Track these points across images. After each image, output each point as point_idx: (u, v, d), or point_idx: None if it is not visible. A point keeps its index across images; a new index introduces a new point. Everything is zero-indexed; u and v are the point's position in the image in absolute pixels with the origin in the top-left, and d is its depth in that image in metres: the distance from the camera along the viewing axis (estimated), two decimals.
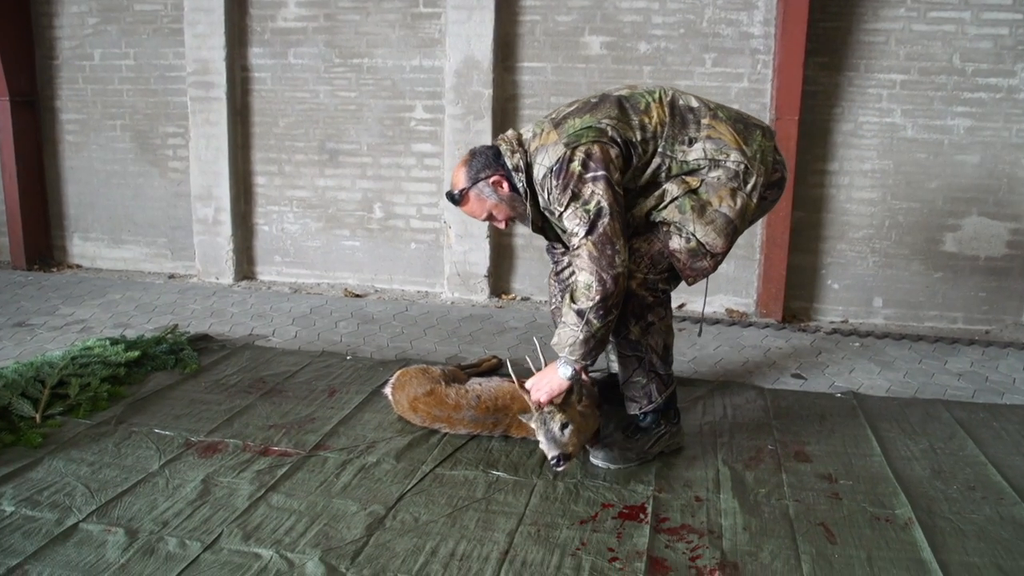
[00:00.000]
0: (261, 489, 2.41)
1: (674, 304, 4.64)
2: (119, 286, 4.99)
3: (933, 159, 4.37)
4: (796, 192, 4.34)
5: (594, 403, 2.69)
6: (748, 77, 4.40)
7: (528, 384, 2.55)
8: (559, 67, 4.58)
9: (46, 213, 5.56)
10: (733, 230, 2.53)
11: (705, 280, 2.71)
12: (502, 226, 2.70)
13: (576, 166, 2.40)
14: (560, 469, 2.46)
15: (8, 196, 5.41)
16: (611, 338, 2.65)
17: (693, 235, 2.50)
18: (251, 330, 4.12)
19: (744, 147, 2.51)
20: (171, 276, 5.31)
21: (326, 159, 5.01)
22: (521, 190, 2.57)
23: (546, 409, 2.50)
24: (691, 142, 2.50)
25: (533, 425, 2.52)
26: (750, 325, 4.39)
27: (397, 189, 4.96)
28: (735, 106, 4.36)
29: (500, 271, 4.87)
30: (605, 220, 2.37)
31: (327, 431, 2.84)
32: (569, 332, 2.43)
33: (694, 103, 2.57)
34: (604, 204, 2.37)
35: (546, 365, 2.59)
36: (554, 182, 2.44)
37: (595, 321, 2.39)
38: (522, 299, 4.84)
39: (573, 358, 2.45)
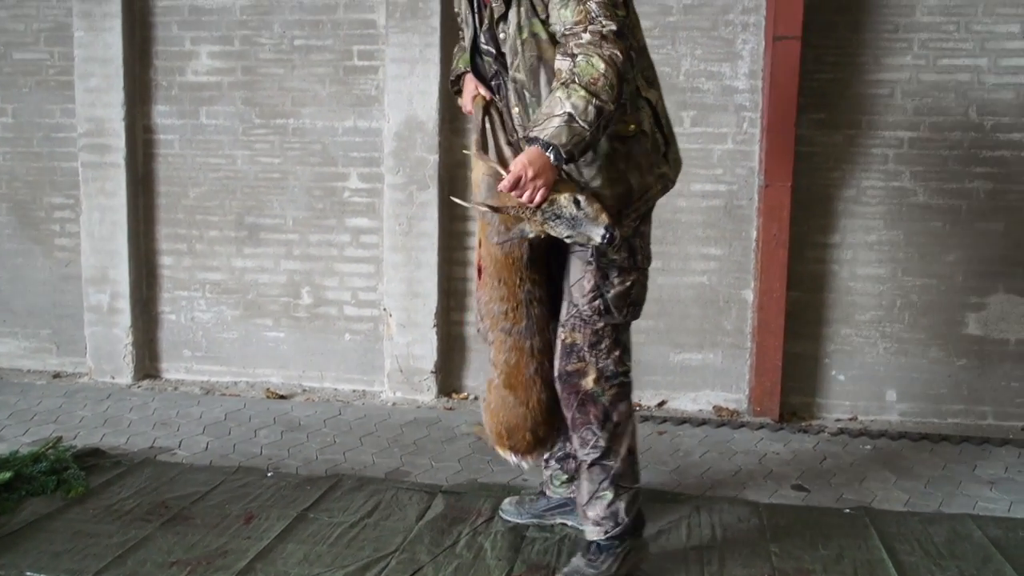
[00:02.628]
0: None
1: (654, 400, 4.79)
2: None
3: (950, 228, 4.60)
4: (792, 269, 4.54)
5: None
6: (733, 137, 4.64)
7: (505, 184, 2.40)
8: None
9: None
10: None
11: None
12: None
13: None
14: (616, 241, 2.49)
15: None
16: (576, 450, 2.79)
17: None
18: (152, 442, 4.17)
19: None
20: (56, 375, 5.35)
21: (245, 236, 5.14)
22: None
23: (543, 206, 2.45)
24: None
25: (533, 230, 2.51)
26: (742, 426, 4.53)
27: (328, 271, 5.09)
28: (718, 171, 4.63)
29: (450, 366, 5.00)
30: (627, 39, 2.44)
31: (241, 568, 2.89)
32: (556, 120, 2.34)
33: None
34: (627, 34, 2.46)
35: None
36: None
37: (591, 115, 2.32)
38: (475, 398, 4.95)
39: (559, 142, 2.34)
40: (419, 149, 4.77)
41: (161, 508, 3.35)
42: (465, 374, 5.01)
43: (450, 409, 4.77)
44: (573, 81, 2.33)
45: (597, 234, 2.44)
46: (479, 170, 2.85)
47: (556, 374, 2.78)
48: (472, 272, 4.64)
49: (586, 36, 2.38)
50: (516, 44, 2.59)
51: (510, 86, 2.67)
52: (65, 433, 4.23)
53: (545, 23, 2.53)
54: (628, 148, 2.64)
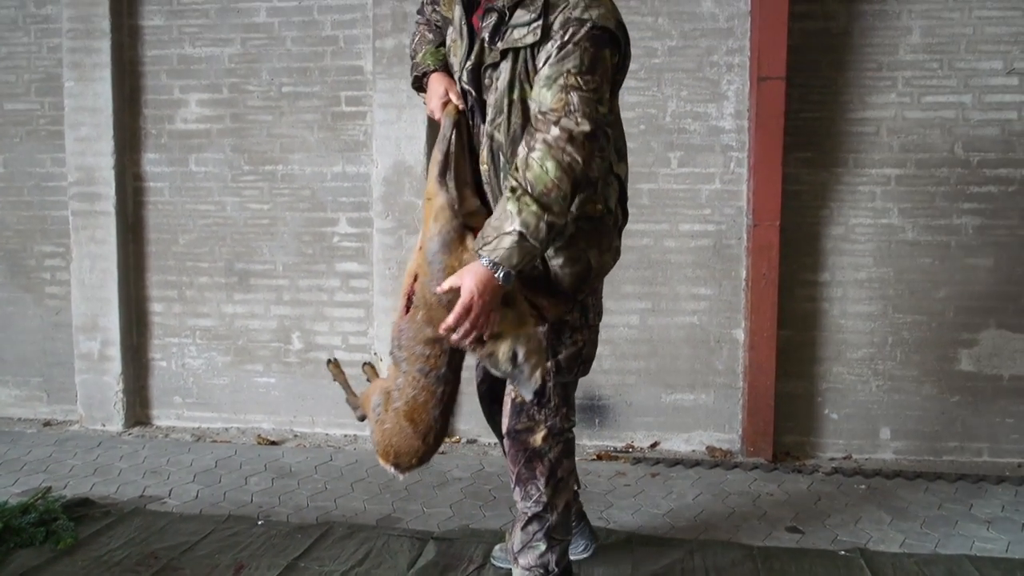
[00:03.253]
0: None
1: (646, 441, 4.80)
2: None
3: (939, 264, 4.64)
4: (782, 308, 4.57)
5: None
6: (720, 177, 4.68)
7: (450, 322, 2.41)
8: None
9: None
10: None
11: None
12: None
13: (607, 54, 2.46)
14: (543, 399, 2.67)
15: None
16: (517, 500, 2.83)
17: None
18: (143, 490, 4.17)
19: None
20: (47, 423, 5.35)
21: (235, 282, 5.17)
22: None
23: (479, 350, 2.50)
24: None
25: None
26: (735, 466, 4.53)
27: (319, 316, 5.11)
28: (706, 211, 4.66)
29: None
30: (599, 140, 2.46)
31: None
32: (507, 240, 2.37)
33: None
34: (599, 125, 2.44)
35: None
36: (573, 36, 2.41)
37: (542, 233, 2.36)
38: (468, 442, 4.96)
39: (509, 264, 2.37)
40: (407, 193, 4.81)
41: (151, 559, 3.35)
42: (457, 418, 5.00)
43: (442, 453, 4.74)
44: (526, 192, 2.34)
45: (528, 392, 2.51)
46: (436, 205, 2.67)
47: (505, 431, 2.82)
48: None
49: (555, 131, 2.35)
50: (503, 103, 2.52)
51: (484, 140, 2.63)
52: (55, 482, 4.23)
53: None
54: (592, 227, 2.65)
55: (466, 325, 2.38)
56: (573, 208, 2.46)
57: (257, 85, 5.06)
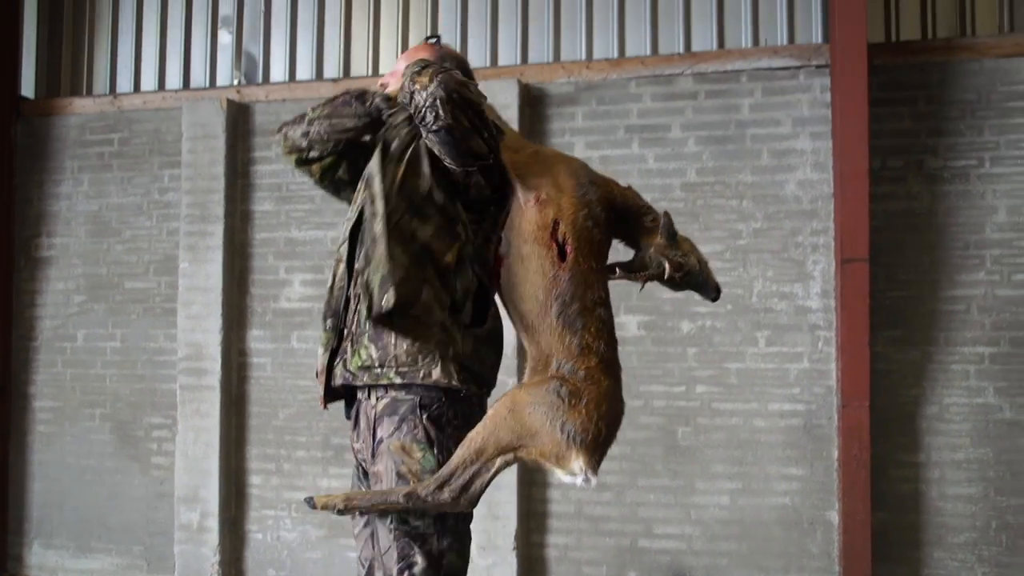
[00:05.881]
0: None
1: None
2: None
3: None
4: (876, 489, 4.52)
5: None
6: (808, 357, 4.73)
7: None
8: None
9: (4, 516, 5.88)
10: None
11: None
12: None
13: None
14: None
15: None
16: None
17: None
18: None
19: None
20: None
21: (331, 456, 5.35)
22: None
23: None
24: None
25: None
26: None
27: None
28: (795, 390, 4.70)
29: None
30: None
31: None
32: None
33: None
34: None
35: None
36: None
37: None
38: None
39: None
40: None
41: None
42: None
43: None
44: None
45: None
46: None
47: None
48: None
49: None
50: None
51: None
52: None
53: None
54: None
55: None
56: None
57: None
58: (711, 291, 2.78)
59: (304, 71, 5.67)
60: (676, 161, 4.97)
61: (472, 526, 4.39)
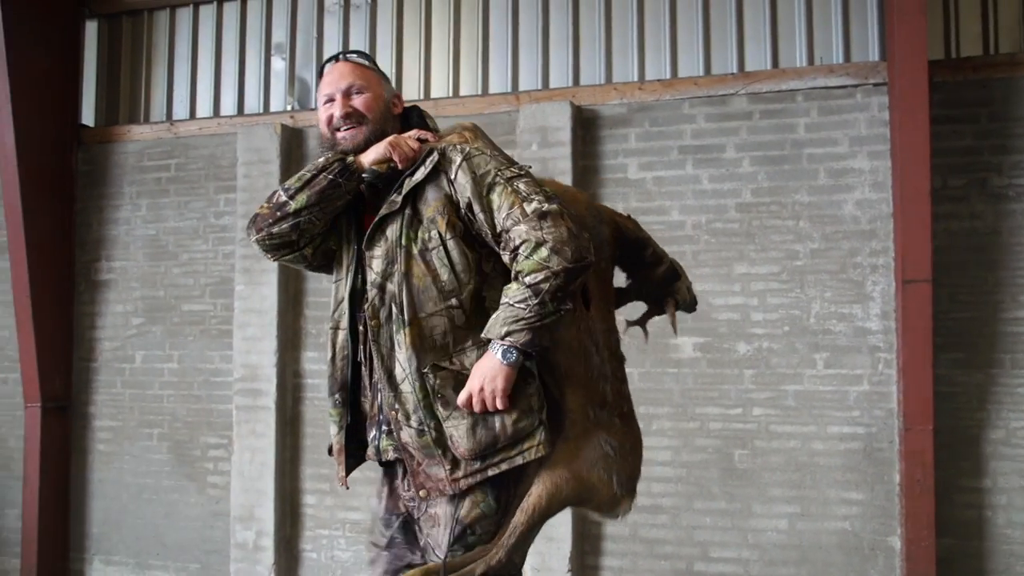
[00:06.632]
0: None
1: None
2: None
3: None
4: (940, 515, 4.37)
5: None
6: (868, 379, 4.60)
7: (463, 399, 2.35)
8: (647, 372, 4.89)
9: (66, 533, 5.93)
10: None
11: None
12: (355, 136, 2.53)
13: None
14: None
15: (27, 514, 5.82)
16: None
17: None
18: None
19: None
20: None
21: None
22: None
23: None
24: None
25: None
26: None
27: None
28: (855, 412, 4.57)
29: None
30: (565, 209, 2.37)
31: None
32: (511, 311, 2.29)
33: None
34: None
35: None
36: (468, 157, 2.43)
37: (548, 302, 2.26)
38: None
39: (514, 339, 2.27)
40: None
41: None
42: None
43: None
44: (518, 275, 2.33)
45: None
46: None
47: None
48: None
49: (522, 219, 2.35)
50: (395, 251, 2.49)
51: (373, 293, 2.51)
52: None
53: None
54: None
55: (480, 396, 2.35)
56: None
57: None
58: (690, 308, 2.96)
59: None
60: (731, 182, 4.88)
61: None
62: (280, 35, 5.89)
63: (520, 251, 2.31)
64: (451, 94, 5.49)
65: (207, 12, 6.07)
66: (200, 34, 6.07)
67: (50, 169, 5.86)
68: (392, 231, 2.44)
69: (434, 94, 5.51)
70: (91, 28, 6.25)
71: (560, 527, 4.78)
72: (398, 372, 2.41)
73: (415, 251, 2.41)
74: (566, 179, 4.93)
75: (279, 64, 5.88)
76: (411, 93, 5.53)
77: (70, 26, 6.07)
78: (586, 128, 5.10)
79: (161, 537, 5.73)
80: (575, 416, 2.45)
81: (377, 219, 2.46)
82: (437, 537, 2.41)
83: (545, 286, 2.25)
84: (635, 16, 5.19)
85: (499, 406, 2.30)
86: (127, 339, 5.90)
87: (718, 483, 4.75)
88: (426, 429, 2.37)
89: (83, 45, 6.19)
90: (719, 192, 4.89)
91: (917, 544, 4.31)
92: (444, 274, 2.41)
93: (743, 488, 4.71)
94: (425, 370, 2.38)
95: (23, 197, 5.66)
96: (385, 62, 5.59)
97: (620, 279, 2.86)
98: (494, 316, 2.32)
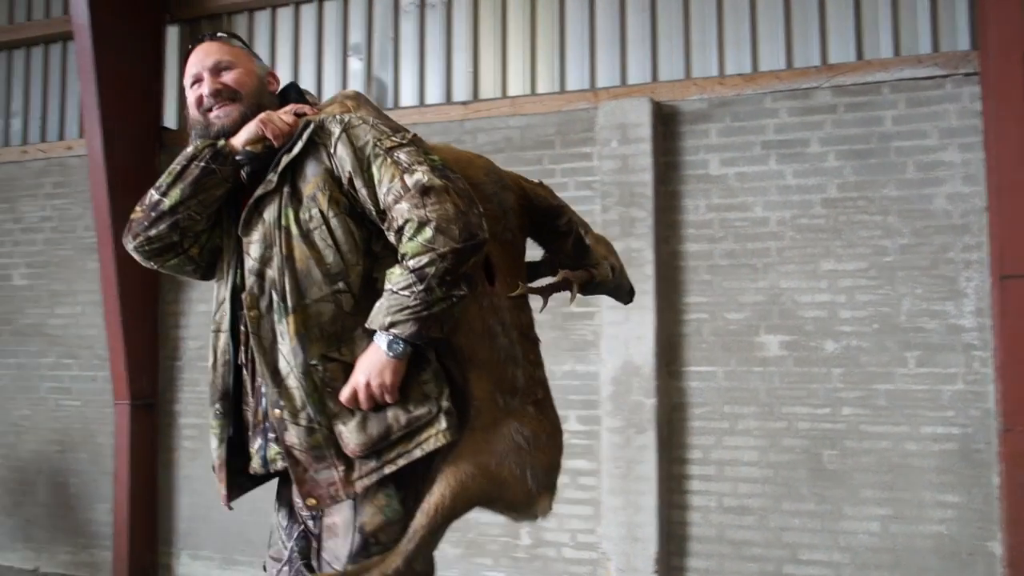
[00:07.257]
0: None
1: None
2: None
3: None
4: None
5: None
6: (963, 378, 4.44)
7: (347, 396, 2.14)
8: (732, 371, 4.78)
9: (155, 527, 6.02)
10: None
11: None
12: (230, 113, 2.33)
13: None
14: None
15: (118, 507, 5.93)
16: None
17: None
18: None
19: None
20: None
21: None
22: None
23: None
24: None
25: None
26: None
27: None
28: (949, 412, 4.41)
29: None
30: (457, 176, 2.18)
31: None
32: (395, 300, 2.09)
33: None
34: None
35: None
36: (372, 130, 2.22)
37: (436, 288, 2.07)
38: None
39: (399, 331, 2.08)
40: (635, 393, 4.82)
41: None
42: None
43: None
44: (402, 257, 2.15)
45: None
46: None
47: None
48: None
49: (404, 192, 2.13)
50: (273, 234, 2.27)
51: (251, 280, 2.32)
52: None
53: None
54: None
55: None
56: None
57: None
58: (624, 295, 2.70)
59: (434, 95, 5.63)
60: (816, 177, 4.74)
61: (612, 548, 4.27)
62: (357, 36, 5.88)
63: (404, 231, 2.11)
64: (529, 92, 5.41)
65: (285, 15, 6.08)
66: (278, 36, 6.09)
67: (135, 171, 5.91)
68: (270, 212, 2.23)
69: (511, 92, 5.44)
70: (172, 33, 6.31)
71: (646, 527, 4.72)
72: (282, 366, 2.19)
73: (295, 232, 2.20)
74: (647, 176, 4.86)
75: (356, 65, 5.87)
76: (488, 91, 5.49)
77: (153, 31, 6.17)
78: (666, 124, 5.00)
79: (245, 533, 5.77)
80: (481, 404, 2.22)
81: (252, 201, 2.26)
82: (335, 549, 2.21)
83: (431, 270, 2.05)
84: (715, 9, 5.06)
85: (388, 401, 2.13)
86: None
87: (807, 484, 4.63)
88: (316, 427, 2.16)
89: (165, 49, 6.26)
90: (804, 187, 4.76)
91: (1020, 550, 4.14)
92: (329, 255, 2.19)
93: (833, 489, 4.58)
94: (313, 362, 2.16)
95: (111, 199, 5.74)
96: (462, 61, 5.56)
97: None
98: (378, 304, 2.13)
